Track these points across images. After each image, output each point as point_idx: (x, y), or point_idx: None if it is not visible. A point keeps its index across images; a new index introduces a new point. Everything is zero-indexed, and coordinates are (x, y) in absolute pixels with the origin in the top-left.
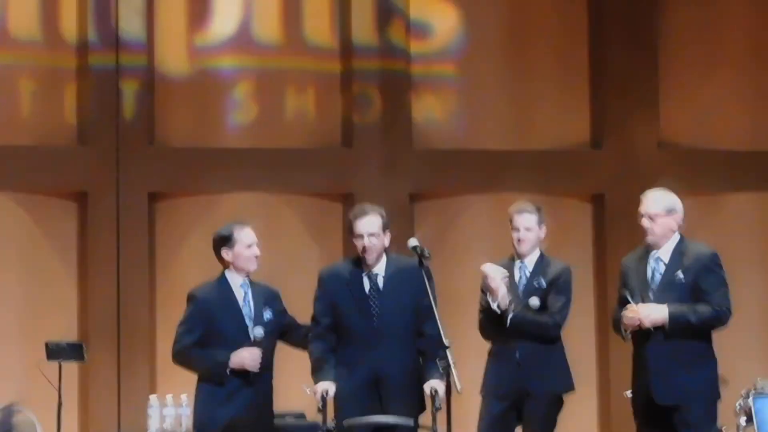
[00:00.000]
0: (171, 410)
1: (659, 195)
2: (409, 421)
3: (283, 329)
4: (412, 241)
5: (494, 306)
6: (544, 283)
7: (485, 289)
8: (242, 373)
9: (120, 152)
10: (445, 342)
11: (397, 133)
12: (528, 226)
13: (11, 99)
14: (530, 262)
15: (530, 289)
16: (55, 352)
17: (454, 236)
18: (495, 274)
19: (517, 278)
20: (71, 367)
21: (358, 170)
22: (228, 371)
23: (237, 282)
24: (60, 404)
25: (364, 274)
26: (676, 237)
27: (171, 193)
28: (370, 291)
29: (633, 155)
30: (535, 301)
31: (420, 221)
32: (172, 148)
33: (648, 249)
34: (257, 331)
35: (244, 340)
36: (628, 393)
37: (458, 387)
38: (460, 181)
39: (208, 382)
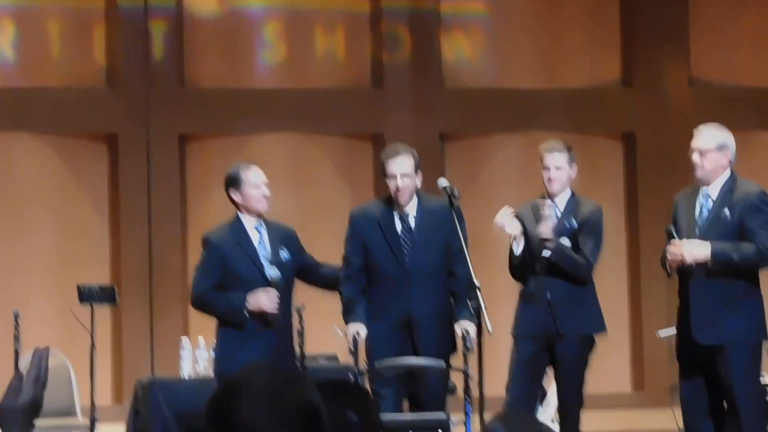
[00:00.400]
0: (203, 353)
1: (711, 130)
2: (441, 364)
3: (302, 269)
4: (442, 181)
5: (516, 250)
6: (575, 224)
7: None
8: (261, 316)
9: (150, 94)
10: (476, 282)
11: (427, 73)
12: (558, 165)
13: (41, 41)
14: (561, 202)
15: (561, 229)
16: (87, 295)
17: (484, 176)
18: (505, 218)
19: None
20: (104, 311)
21: (388, 110)
22: (246, 314)
23: (251, 223)
24: (93, 347)
25: (395, 215)
26: (727, 174)
27: (201, 134)
28: (402, 231)
29: (664, 93)
30: (565, 242)
31: (450, 161)
32: (201, 90)
33: (699, 185)
34: (273, 272)
35: (261, 282)
36: (660, 332)
37: (489, 328)
38: (491, 121)
39: (228, 325)
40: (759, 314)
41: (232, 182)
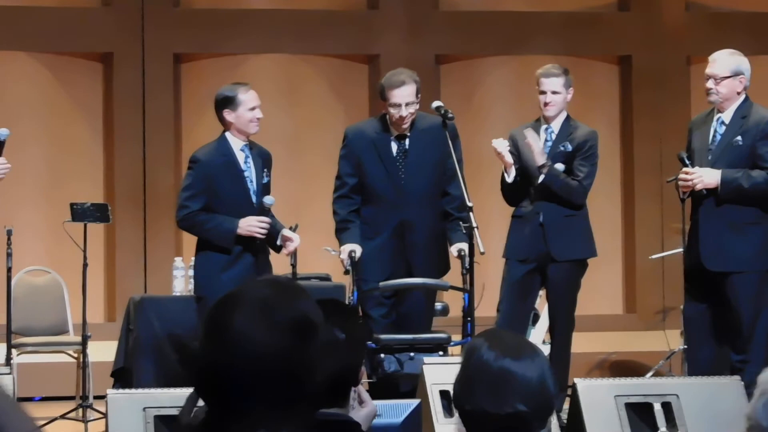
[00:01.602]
0: None
1: (725, 56)
2: (445, 284)
3: None
4: (436, 102)
5: (508, 178)
6: (569, 147)
7: (525, 150)
8: (246, 240)
9: (145, 13)
10: (469, 203)
11: None
12: (555, 89)
13: None
14: (556, 125)
15: (555, 153)
16: (80, 213)
17: (478, 98)
18: (502, 147)
19: (542, 142)
20: (97, 229)
21: (383, 32)
22: (233, 238)
23: (237, 145)
24: (85, 265)
25: (391, 136)
26: (741, 99)
27: (195, 54)
28: (397, 152)
29: (660, 17)
30: (559, 167)
31: (445, 82)
32: (196, 9)
33: (713, 110)
34: (267, 200)
35: (246, 204)
36: (653, 257)
37: (481, 248)
38: (486, 43)
39: (210, 248)
40: None
41: (228, 102)
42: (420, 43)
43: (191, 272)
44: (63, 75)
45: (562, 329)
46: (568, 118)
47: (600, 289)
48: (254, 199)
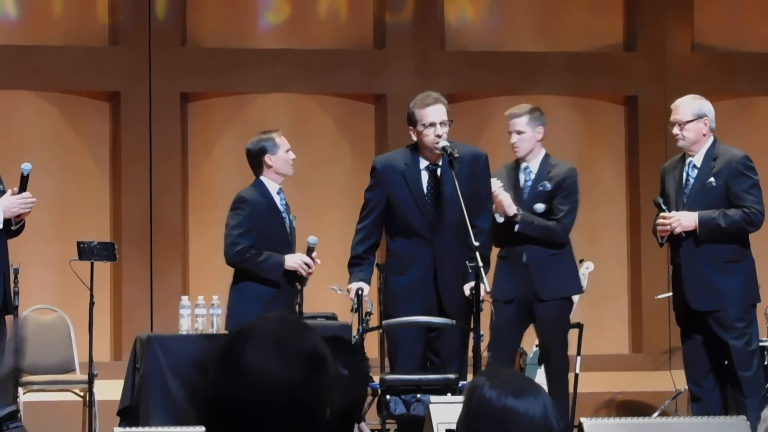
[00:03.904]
0: (202, 311)
1: (687, 101)
2: (450, 322)
3: None
4: (442, 142)
5: (498, 219)
6: (549, 186)
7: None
8: (288, 277)
9: (152, 52)
10: (474, 243)
11: (429, 34)
12: (519, 129)
13: None
14: (534, 165)
15: (535, 193)
16: (86, 251)
17: (486, 138)
18: (495, 186)
19: (521, 182)
20: (104, 267)
21: (390, 71)
22: (282, 272)
23: (274, 188)
24: (92, 303)
25: (421, 166)
26: (709, 141)
27: (203, 93)
28: (427, 183)
29: (666, 57)
30: (539, 207)
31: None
32: (204, 49)
33: (685, 155)
34: (311, 240)
35: (285, 243)
36: (659, 297)
37: (488, 287)
38: (493, 83)
39: (252, 281)
40: (750, 277)
41: (266, 148)
42: (427, 83)
43: (198, 311)
44: (71, 113)
45: (557, 367)
46: (546, 156)
47: (606, 328)
48: (289, 240)
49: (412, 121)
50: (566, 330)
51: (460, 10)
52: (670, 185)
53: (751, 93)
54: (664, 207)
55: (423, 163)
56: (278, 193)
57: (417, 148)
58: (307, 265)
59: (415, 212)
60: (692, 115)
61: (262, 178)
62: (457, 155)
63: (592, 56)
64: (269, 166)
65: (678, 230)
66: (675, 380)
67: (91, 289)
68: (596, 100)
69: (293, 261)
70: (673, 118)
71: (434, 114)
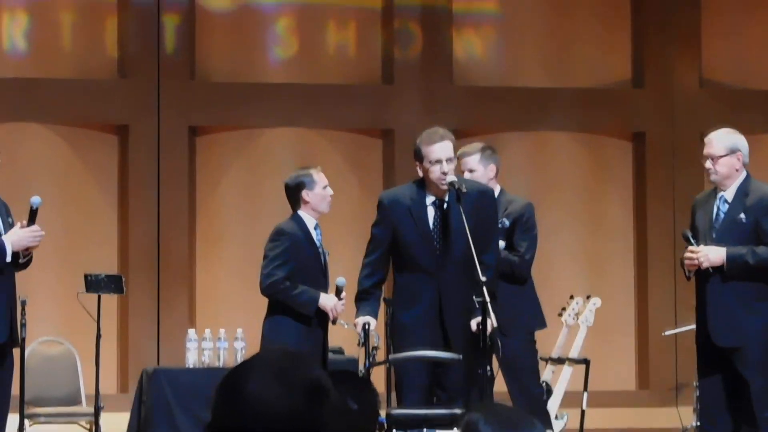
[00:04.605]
0: (209, 344)
1: (720, 135)
2: (456, 357)
3: None
4: (450, 177)
5: None
6: (507, 223)
7: None
8: (320, 315)
9: (161, 86)
10: (482, 278)
11: (437, 70)
12: (470, 167)
13: (53, 32)
14: None
15: None
16: (93, 284)
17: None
18: None
19: None
20: (111, 300)
21: (399, 106)
22: (315, 309)
23: (311, 223)
24: (99, 336)
25: (428, 202)
26: (742, 176)
27: (211, 127)
28: (434, 219)
29: (674, 94)
30: (500, 243)
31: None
32: (212, 83)
33: (717, 188)
34: (340, 281)
35: (321, 279)
36: (666, 332)
37: (494, 322)
38: (501, 119)
39: (287, 315)
40: None
41: (304, 184)
42: (435, 118)
43: (204, 344)
44: (79, 146)
45: (534, 404)
46: (502, 192)
47: (613, 364)
48: (325, 274)
49: (418, 156)
50: (535, 361)
51: (468, 45)
52: (700, 219)
53: (758, 130)
54: (692, 241)
55: (429, 199)
56: (315, 228)
57: (423, 184)
58: (340, 309)
59: (421, 248)
60: (725, 150)
61: (300, 212)
62: (465, 190)
63: (600, 92)
64: (306, 202)
65: (705, 265)
66: (682, 417)
67: (98, 322)
68: (604, 136)
69: (327, 302)
70: (706, 151)
71: (441, 151)
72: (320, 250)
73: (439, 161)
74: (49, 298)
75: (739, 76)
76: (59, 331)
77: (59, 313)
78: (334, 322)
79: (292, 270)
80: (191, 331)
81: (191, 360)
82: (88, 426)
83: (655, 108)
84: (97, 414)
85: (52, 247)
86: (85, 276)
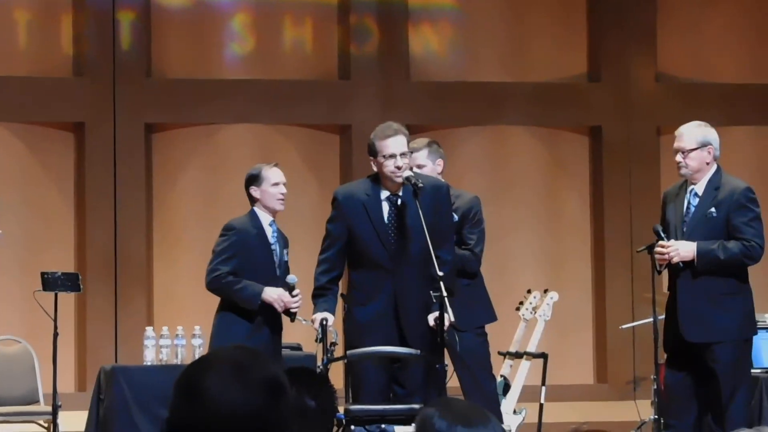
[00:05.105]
0: (167, 341)
1: (692, 128)
2: (415, 352)
3: None
4: (406, 172)
5: None
6: (455, 217)
7: None
8: (267, 313)
9: (116, 83)
10: (438, 273)
11: (394, 65)
12: (419, 163)
13: (7, 30)
14: None
15: None
16: (50, 282)
17: (450, 168)
18: None
19: None
20: (68, 299)
21: (356, 102)
22: (259, 302)
23: (266, 220)
24: (56, 335)
25: (382, 197)
26: (712, 170)
27: (167, 124)
28: (388, 215)
29: (631, 88)
30: None
31: None
32: (168, 80)
33: (687, 181)
34: (291, 279)
35: (271, 275)
36: (623, 327)
37: (451, 317)
38: (458, 114)
39: (233, 311)
40: (747, 311)
41: (253, 179)
42: (392, 114)
43: (162, 341)
44: (35, 144)
45: (486, 398)
46: (448, 188)
47: (571, 358)
48: (278, 273)
49: (372, 151)
50: (487, 356)
51: (424, 41)
52: (671, 212)
53: (714, 124)
54: (663, 235)
55: (384, 194)
56: (270, 225)
57: (378, 179)
58: (287, 303)
59: (376, 244)
60: (696, 143)
61: (255, 208)
62: (421, 185)
63: (557, 87)
64: (256, 199)
65: (675, 260)
66: (640, 410)
67: (55, 320)
68: (561, 130)
69: (271, 295)
70: (676, 145)
71: (394, 145)
72: (274, 247)
73: (393, 156)
74: (6, 297)
75: (695, 70)
76: (16, 331)
77: (16, 312)
78: (292, 319)
79: (237, 266)
80: (149, 329)
81: (149, 357)
82: (46, 425)
83: (611, 102)
84: (55, 413)
85: (7, 246)
86: (42, 274)
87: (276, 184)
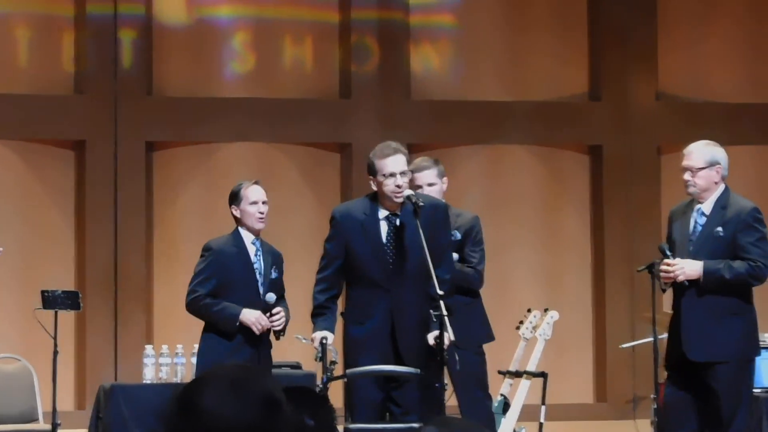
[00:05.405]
0: (167, 360)
1: (700, 147)
2: (415, 371)
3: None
4: (406, 191)
5: None
6: (458, 235)
7: None
8: (249, 331)
9: (117, 101)
10: (439, 292)
11: (394, 84)
12: (429, 181)
13: (8, 47)
14: None
15: None
16: (50, 300)
17: (450, 187)
18: None
19: None
20: (68, 317)
21: (356, 121)
22: (237, 324)
23: (249, 238)
24: (56, 352)
25: (380, 216)
26: (720, 189)
27: (168, 142)
28: (387, 234)
29: (631, 107)
30: (454, 256)
31: None
32: (169, 98)
33: (693, 200)
34: (269, 297)
35: (253, 296)
36: (623, 346)
37: (451, 336)
38: (458, 132)
39: (217, 333)
40: (750, 331)
41: (233, 198)
42: (392, 132)
43: (162, 360)
44: (35, 162)
45: (479, 413)
46: (446, 207)
47: (570, 377)
48: (261, 291)
49: (371, 170)
50: (485, 376)
51: (425, 59)
52: (677, 231)
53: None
54: (668, 254)
55: (382, 213)
56: (253, 244)
57: (377, 198)
58: (264, 325)
59: (373, 262)
60: (704, 162)
61: (238, 228)
62: (422, 204)
63: (557, 106)
64: (236, 218)
65: (681, 278)
66: (639, 429)
67: (55, 338)
68: (561, 149)
69: (249, 318)
70: (685, 163)
71: (394, 164)
72: (257, 266)
73: (393, 174)
74: (5, 315)
75: (695, 89)
76: (16, 348)
77: (15, 330)
78: (277, 337)
79: (216, 286)
80: (148, 347)
81: (148, 376)
82: None
83: (611, 121)
84: (54, 431)
85: (7, 264)
86: (42, 292)
87: (254, 203)
